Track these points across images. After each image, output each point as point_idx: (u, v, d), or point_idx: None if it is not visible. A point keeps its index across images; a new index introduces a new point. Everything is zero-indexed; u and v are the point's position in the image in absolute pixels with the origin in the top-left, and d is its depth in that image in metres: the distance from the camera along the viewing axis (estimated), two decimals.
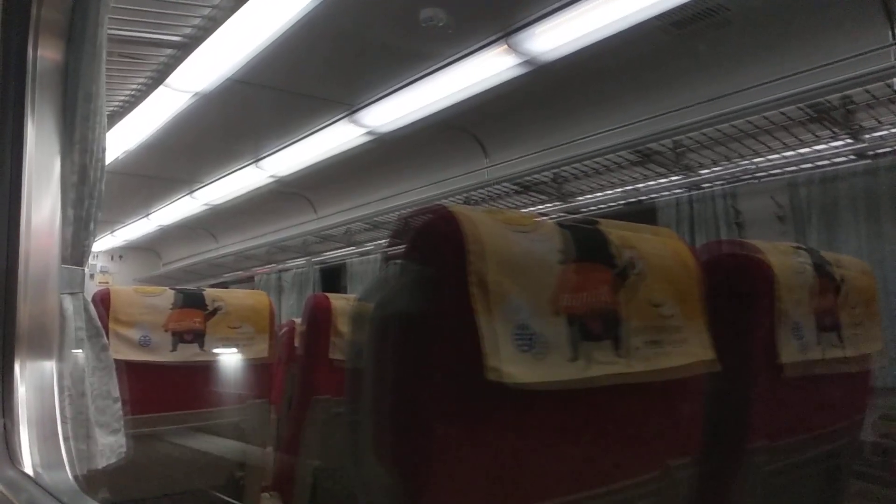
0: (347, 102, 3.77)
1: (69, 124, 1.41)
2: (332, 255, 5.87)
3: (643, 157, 3.30)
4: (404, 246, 0.86)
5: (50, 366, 1.34)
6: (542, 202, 3.96)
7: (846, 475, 1.52)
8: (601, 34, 2.76)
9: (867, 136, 2.61)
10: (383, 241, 4.91)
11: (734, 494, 1.19)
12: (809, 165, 2.80)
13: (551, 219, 1.00)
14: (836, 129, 2.67)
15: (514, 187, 3.95)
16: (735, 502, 1.19)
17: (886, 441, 1.93)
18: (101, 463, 1.45)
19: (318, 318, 2.33)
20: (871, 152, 2.62)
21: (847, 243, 2.60)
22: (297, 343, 2.82)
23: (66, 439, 1.31)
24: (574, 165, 3.56)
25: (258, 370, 2.34)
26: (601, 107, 3.48)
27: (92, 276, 7.95)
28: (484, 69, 3.16)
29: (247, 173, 5.05)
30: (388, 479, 0.83)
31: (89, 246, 1.49)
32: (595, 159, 3.44)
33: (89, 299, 1.53)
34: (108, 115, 1.45)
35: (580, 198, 3.80)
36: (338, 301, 2.36)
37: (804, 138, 2.77)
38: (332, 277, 5.85)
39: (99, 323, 1.53)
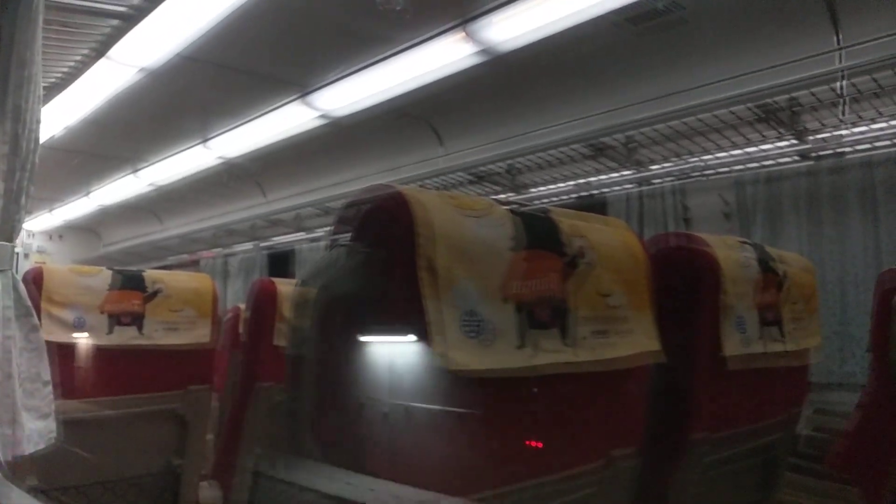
0: (300, 84, 3.68)
1: (1, 92, 1.33)
2: (281, 240, 5.76)
3: (596, 151, 3.33)
4: (351, 227, 0.83)
5: None
6: (496, 193, 3.97)
7: (782, 466, 1.56)
8: (558, 26, 2.76)
9: (811, 137, 2.69)
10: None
11: (674, 484, 1.20)
12: (756, 165, 2.88)
13: (504, 204, 0.98)
14: (781, 130, 2.74)
15: (469, 177, 3.95)
16: (675, 492, 1.20)
17: (820, 434, 2.00)
18: (29, 449, 1.38)
19: (263, 303, 2.27)
20: (813, 154, 2.70)
21: (789, 241, 2.67)
22: (241, 329, 2.75)
23: None
24: (528, 157, 3.57)
25: (200, 355, 2.27)
26: (556, 99, 3.49)
27: (27, 255, 7.60)
28: (441, 56, 3.12)
29: (194, 153, 4.89)
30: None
31: (20, 221, 1.41)
32: (549, 151, 3.45)
33: (20, 278, 1.45)
34: (46, 87, 1.38)
35: (533, 189, 3.82)
36: (284, 286, 2.31)
37: (752, 138, 2.84)
38: (281, 263, 5.74)
39: (29, 302, 1.45)
